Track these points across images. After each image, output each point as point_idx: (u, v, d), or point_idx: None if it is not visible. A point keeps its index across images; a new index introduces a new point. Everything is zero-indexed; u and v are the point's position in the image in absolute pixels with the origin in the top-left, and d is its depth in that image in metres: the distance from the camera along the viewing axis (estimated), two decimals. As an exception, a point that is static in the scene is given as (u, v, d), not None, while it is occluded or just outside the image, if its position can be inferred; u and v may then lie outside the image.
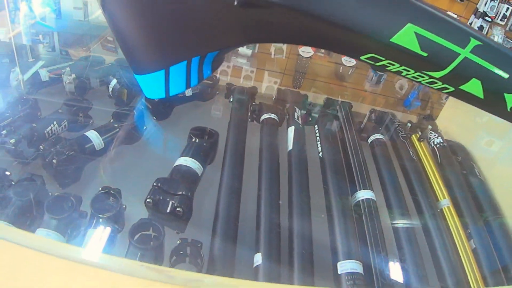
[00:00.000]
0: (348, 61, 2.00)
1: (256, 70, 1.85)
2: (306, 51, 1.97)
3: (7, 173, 0.98)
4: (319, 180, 1.21)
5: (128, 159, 1.19)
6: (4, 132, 1.07)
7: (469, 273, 1.05)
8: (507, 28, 3.00)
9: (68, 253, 0.59)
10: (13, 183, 0.95)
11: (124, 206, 0.96)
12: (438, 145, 1.46)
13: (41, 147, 1.07)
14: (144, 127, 1.28)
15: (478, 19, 2.95)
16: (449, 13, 2.78)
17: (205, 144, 1.17)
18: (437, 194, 1.27)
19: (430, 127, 1.52)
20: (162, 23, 0.57)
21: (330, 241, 1.02)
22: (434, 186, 1.30)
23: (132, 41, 0.60)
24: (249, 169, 1.16)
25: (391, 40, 0.52)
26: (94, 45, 1.77)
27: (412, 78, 0.59)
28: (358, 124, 1.52)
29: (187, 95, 1.44)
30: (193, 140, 1.17)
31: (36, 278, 0.55)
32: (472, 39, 0.56)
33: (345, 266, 0.93)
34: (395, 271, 0.99)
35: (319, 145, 1.34)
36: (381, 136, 1.44)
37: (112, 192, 0.97)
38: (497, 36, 2.97)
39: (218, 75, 1.61)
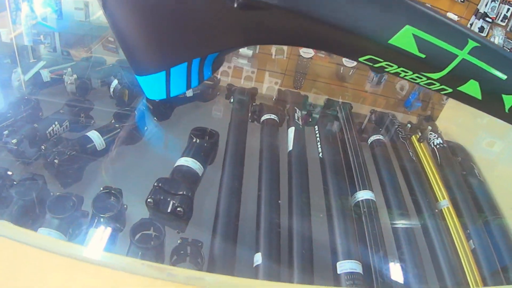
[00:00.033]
0: (349, 62, 2.00)
1: (257, 70, 1.84)
2: (307, 51, 1.97)
3: (9, 173, 0.98)
4: (319, 181, 1.21)
5: (129, 159, 1.20)
6: (6, 132, 1.08)
7: (468, 273, 1.05)
8: (507, 29, 3.00)
9: (70, 251, 0.60)
10: (15, 183, 0.96)
11: (125, 206, 0.96)
12: (438, 146, 1.46)
13: (42, 147, 1.07)
14: (145, 128, 1.29)
15: (479, 20, 2.96)
16: (449, 14, 2.80)
17: (205, 144, 1.17)
18: (437, 194, 1.27)
19: (430, 128, 1.53)
20: (163, 25, 0.57)
21: (329, 241, 1.02)
22: (433, 187, 1.30)
23: (133, 42, 0.61)
24: (250, 169, 1.16)
25: (389, 41, 0.53)
26: (95, 46, 1.77)
27: (410, 80, 0.59)
28: (359, 125, 1.53)
29: (188, 95, 1.44)
30: (194, 140, 1.17)
31: (38, 275, 0.56)
32: (470, 40, 0.57)
33: (345, 266, 0.93)
34: (394, 271, 0.99)
35: (319, 145, 1.34)
36: (381, 137, 1.44)
37: (113, 192, 0.97)
38: (498, 37, 2.97)
39: (219, 76, 1.61)
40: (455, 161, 1.44)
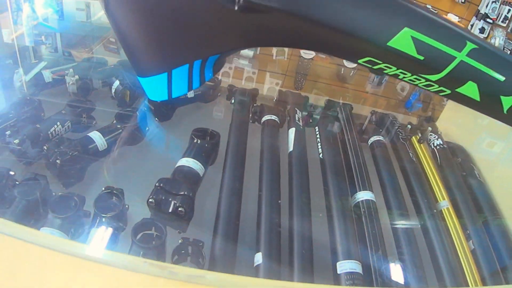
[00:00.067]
0: (350, 63, 2.00)
1: (257, 71, 1.84)
2: (308, 52, 1.97)
3: (11, 173, 0.98)
4: (319, 181, 1.21)
5: (130, 160, 1.20)
6: (8, 132, 1.08)
7: (468, 274, 1.05)
8: (508, 30, 3.00)
9: (73, 249, 0.60)
10: (17, 182, 0.96)
11: (127, 206, 0.97)
12: (438, 147, 1.47)
13: (45, 147, 1.07)
14: (147, 128, 1.29)
15: (480, 20, 2.96)
16: (450, 14, 2.80)
17: (206, 145, 1.18)
18: (437, 195, 1.28)
19: (430, 129, 1.53)
20: (164, 27, 0.58)
21: (329, 241, 1.02)
22: (433, 188, 1.31)
23: (135, 44, 0.62)
24: (250, 170, 1.17)
25: (388, 44, 0.53)
26: (96, 46, 1.77)
27: (409, 81, 0.60)
28: (359, 126, 1.53)
29: (189, 96, 1.44)
30: (195, 141, 1.17)
31: (41, 273, 0.56)
32: (468, 42, 0.57)
33: (345, 266, 0.94)
34: (394, 271, 1.00)
35: (319, 146, 1.34)
36: (381, 138, 1.44)
37: (115, 192, 0.97)
38: (499, 37, 2.97)
39: (220, 77, 1.61)
40: (455, 162, 1.44)
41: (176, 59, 0.61)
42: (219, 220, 0.98)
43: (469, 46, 0.57)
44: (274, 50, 1.99)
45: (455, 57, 0.56)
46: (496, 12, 2.93)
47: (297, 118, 1.40)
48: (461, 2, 2.91)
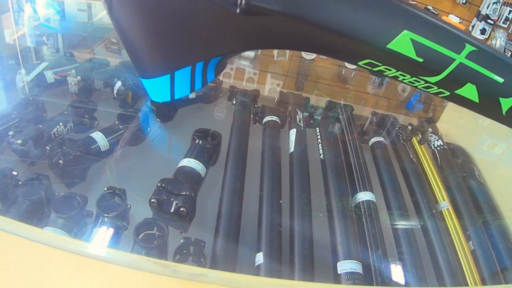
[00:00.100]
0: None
1: (259, 72, 1.84)
2: (309, 53, 1.97)
3: (14, 173, 0.99)
4: (320, 182, 1.22)
5: (132, 160, 1.20)
6: (11, 133, 1.08)
7: (467, 274, 1.06)
8: (509, 31, 3.01)
9: (77, 248, 0.61)
10: (20, 182, 0.97)
11: (129, 206, 0.97)
12: (438, 148, 1.47)
13: (47, 147, 1.08)
14: (149, 129, 1.30)
15: (481, 21, 2.97)
16: (451, 16, 2.80)
17: (208, 145, 1.18)
18: (437, 196, 1.28)
19: (430, 130, 1.53)
20: (167, 30, 0.58)
21: (330, 241, 1.03)
22: (434, 188, 1.31)
23: (138, 47, 0.62)
24: (251, 170, 1.17)
25: (387, 46, 0.54)
26: (97, 47, 1.78)
27: (408, 83, 0.61)
28: (360, 127, 1.54)
29: (190, 97, 1.44)
30: (197, 141, 1.18)
31: (46, 271, 0.57)
32: (467, 45, 0.58)
33: (345, 266, 0.94)
34: (394, 271, 1.00)
35: (320, 147, 1.35)
36: (382, 139, 1.45)
37: (117, 192, 0.98)
38: (500, 39, 2.97)
39: (221, 78, 1.61)
40: (456, 163, 1.45)
41: (179, 61, 0.61)
42: (221, 220, 0.99)
43: (468, 48, 0.57)
44: (275, 51, 1.99)
45: (454, 59, 0.57)
46: (497, 13, 2.93)
47: (298, 119, 1.41)
48: (462, 3, 2.91)
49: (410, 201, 1.25)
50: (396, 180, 1.28)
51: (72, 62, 1.57)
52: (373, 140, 1.46)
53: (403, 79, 0.60)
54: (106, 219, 0.92)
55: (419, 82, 0.60)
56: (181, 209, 0.94)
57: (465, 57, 0.57)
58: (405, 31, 0.54)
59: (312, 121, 1.49)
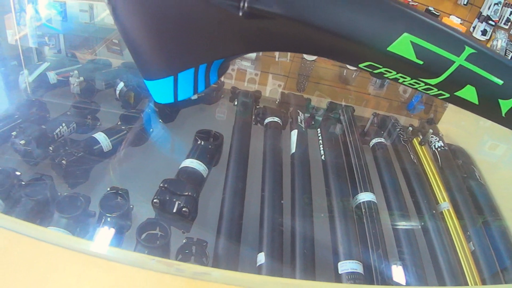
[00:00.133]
0: (352, 65, 2.00)
1: (260, 73, 1.85)
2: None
3: (18, 173, 0.99)
4: (321, 183, 1.22)
5: (135, 161, 1.21)
6: (14, 133, 1.09)
7: (468, 274, 1.06)
8: (510, 32, 3.01)
9: (82, 246, 0.62)
10: (23, 183, 0.97)
11: (131, 206, 0.98)
12: (439, 149, 1.47)
13: (50, 148, 1.09)
14: (151, 130, 1.30)
15: (482, 22, 2.96)
16: (452, 17, 2.80)
17: (210, 146, 1.19)
18: (437, 197, 1.29)
19: (431, 131, 1.54)
20: (171, 33, 0.59)
21: (331, 241, 1.03)
22: (434, 189, 1.32)
23: (142, 49, 0.63)
24: (253, 171, 1.18)
25: (388, 49, 0.55)
26: (99, 48, 1.78)
27: (408, 85, 0.61)
28: (361, 128, 1.54)
29: (192, 98, 1.45)
30: (199, 142, 1.18)
31: (51, 269, 0.58)
32: (467, 47, 0.58)
33: (346, 266, 0.95)
34: (394, 271, 1.01)
35: (321, 148, 1.35)
36: (383, 140, 1.45)
37: (120, 192, 0.98)
38: (501, 39, 2.97)
39: (222, 79, 1.61)
40: (456, 164, 1.45)
41: (182, 63, 0.62)
42: (223, 220, 0.99)
43: (468, 50, 0.58)
44: (277, 52, 1.99)
45: (454, 62, 0.57)
46: (498, 14, 2.93)
47: (299, 120, 1.41)
48: (464, 4, 2.91)
49: (410, 202, 1.25)
50: (396, 181, 1.29)
51: (74, 63, 1.57)
52: (374, 141, 1.46)
53: (403, 81, 0.60)
54: (109, 219, 0.93)
55: (419, 84, 0.60)
56: (184, 209, 0.95)
57: (465, 59, 0.58)
58: (405, 34, 0.54)
59: (313, 122, 1.50)
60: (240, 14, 0.52)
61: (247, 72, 1.83)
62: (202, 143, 1.18)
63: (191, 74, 0.62)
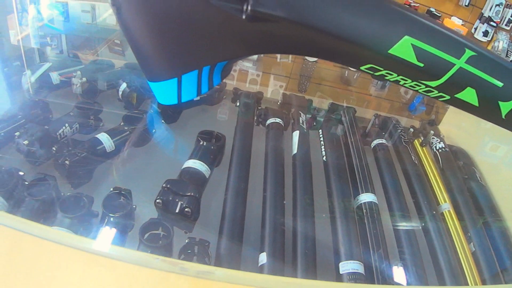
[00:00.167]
0: (353, 67, 2.00)
1: (262, 74, 1.85)
2: (312, 56, 1.97)
3: (21, 173, 1.00)
4: (322, 183, 1.23)
5: (138, 161, 1.21)
6: (17, 133, 1.10)
7: (468, 275, 1.06)
8: (512, 33, 3.00)
9: (87, 246, 0.63)
10: (26, 183, 0.98)
11: (134, 206, 0.98)
12: (440, 150, 1.48)
13: (53, 148, 1.09)
14: (154, 130, 1.31)
15: (483, 24, 2.96)
16: (454, 18, 2.80)
17: (212, 147, 1.19)
18: (438, 198, 1.29)
19: (432, 132, 1.54)
20: (175, 35, 0.60)
21: (332, 242, 1.04)
22: (435, 190, 1.32)
23: (146, 51, 0.64)
24: (255, 171, 1.18)
25: (389, 51, 0.55)
26: (101, 48, 1.79)
27: (409, 87, 0.62)
28: (362, 129, 1.54)
29: (195, 99, 1.46)
30: (201, 143, 1.19)
31: (56, 268, 0.58)
32: (467, 49, 0.59)
33: (347, 267, 0.95)
34: (395, 272, 1.01)
35: (323, 149, 1.36)
36: (384, 141, 1.46)
37: (123, 192, 0.99)
38: (502, 41, 2.97)
39: (224, 80, 1.61)
40: (457, 165, 1.45)
41: (186, 65, 0.63)
42: (225, 220, 1.00)
43: (468, 53, 0.59)
44: (279, 52, 1.99)
45: (454, 64, 0.58)
46: (499, 16, 2.93)
47: (301, 121, 1.42)
48: (465, 5, 2.91)
49: (411, 203, 1.26)
50: (398, 182, 1.29)
51: (76, 63, 1.57)
52: (375, 142, 1.46)
53: (404, 83, 0.61)
54: (112, 219, 0.93)
55: (419, 86, 0.61)
56: (186, 209, 0.96)
57: (465, 62, 0.58)
58: (406, 37, 0.55)
59: (315, 123, 1.50)
60: (244, 17, 0.53)
61: (249, 72, 1.83)
62: (205, 143, 1.19)
63: (194, 76, 0.63)
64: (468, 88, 0.61)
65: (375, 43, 0.56)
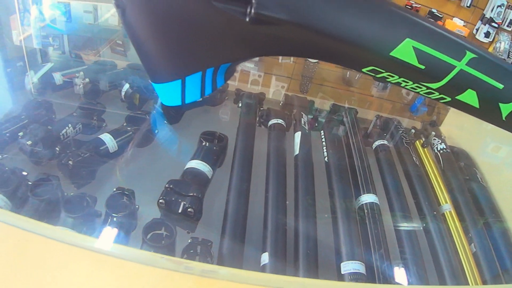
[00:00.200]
0: (354, 67, 2.00)
1: (263, 74, 1.85)
2: (314, 58, 1.97)
3: (24, 173, 1.00)
4: (324, 184, 1.23)
5: (141, 162, 1.22)
6: (20, 134, 1.11)
7: (469, 276, 1.07)
8: (513, 34, 3.00)
9: (92, 245, 0.63)
10: (29, 183, 0.98)
11: (137, 206, 0.98)
12: (441, 151, 1.48)
13: (56, 149, 1.10)
14: (156, 131, 1.31)
15: (485, 25, 2.96)
16: (456, 19, 2.81)
17: (215, 147, 1.20)
18: (439, 198, 1.29)
19: (433, 133, 1.54)
20: (179, 37, 0.60)
21: (334, 242, 1.04)
22: (436, 191, 1.32)
23: (151, 53, 0.64)
24: (257, 172, 1.18)
25: (390, 54, 0.56)
26: (103, 49, 1.79)
27: (410, 89, 0.62)
28: (364, 130, 1.55)
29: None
30: (204, 143, 1.19)
31: (62, 267, 0.59)
32: (468, 52, 0.59)
33: (348, 267, 0.96)
34: (396, 272, 1.02)
35: (325, 150, 1.36)
36: (386, 142, 1.46)
37: (126, 192, 0.99)
38: (504, 42, 2.97)
39: (227, 80, 1.61)
40: (458, 166, 1.46)
41: (190, 67, 0.63)
42: (227, 220, 1.00)
43: (469, 55, 0.59)
44: (280, 54, 1.99)
45: (455, 66, 0.59)
46: (501, 17, 2.93)
47: (303, 122, 1.42)
48: (467, 6, 2.91)
49: (413, 204, 1.26)
50: (399, 182, 1.30)
51: (79, 64, 1.57)
52: (377, 143, 1.47)
53: (405, 85, 0.62)
54: (115, 219, 0.94)
55: (420, 88, 0.61)
56: (189, 209, 0.96)
57: (466, 64, 0.59)
58: (407, 39, 0.56)
59: (316, 124, 1.50)
60: (247, 20, 0.53)
61: (251, 73, 1.83)
62: (207, 144, 1.19)
63: (198, 77, 0.64)
64: (469, 90, 0.61)
65: (377, 45, 0.56)
